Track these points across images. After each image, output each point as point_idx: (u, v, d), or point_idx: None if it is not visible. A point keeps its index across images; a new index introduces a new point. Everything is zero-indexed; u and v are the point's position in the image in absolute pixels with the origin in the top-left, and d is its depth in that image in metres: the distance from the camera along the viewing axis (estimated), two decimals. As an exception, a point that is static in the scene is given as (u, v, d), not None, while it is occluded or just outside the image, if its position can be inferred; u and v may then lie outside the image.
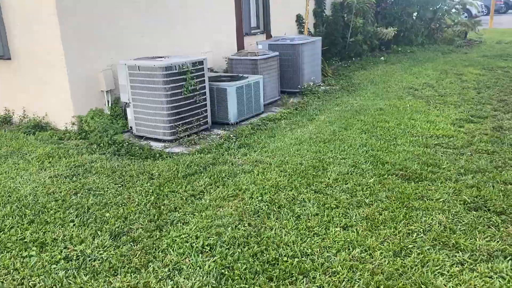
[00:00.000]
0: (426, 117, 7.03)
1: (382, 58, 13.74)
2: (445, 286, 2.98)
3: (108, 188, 4.71)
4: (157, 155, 5.76)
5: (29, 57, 7.07)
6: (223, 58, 9.49)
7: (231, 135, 6.46)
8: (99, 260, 3.42)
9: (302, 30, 12.48)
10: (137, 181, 4.87)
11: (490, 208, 4.01)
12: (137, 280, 3.15)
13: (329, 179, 4.72)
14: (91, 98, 7.06)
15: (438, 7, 16.35)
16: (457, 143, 5.77)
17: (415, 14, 16.21)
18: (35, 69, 7.07)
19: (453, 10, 17.11)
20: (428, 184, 4.55)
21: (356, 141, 5.90)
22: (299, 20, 12.62)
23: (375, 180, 4.66)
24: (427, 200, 4.20)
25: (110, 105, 7.24)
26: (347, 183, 4.61)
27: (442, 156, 5.33)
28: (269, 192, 4.45)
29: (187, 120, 6.44)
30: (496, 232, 3.62)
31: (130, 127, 6.70)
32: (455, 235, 3.60)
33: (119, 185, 4.79)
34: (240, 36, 10.22)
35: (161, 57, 6.71)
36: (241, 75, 7.77)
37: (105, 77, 7.02)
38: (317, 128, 6.63)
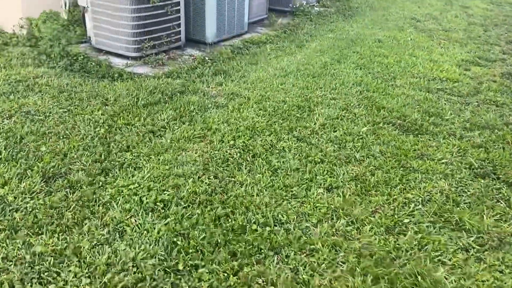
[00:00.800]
0: (429, 54, 6.22)
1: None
2: (446, 280, 2.42)
3: (50, 112, 3.89)
4: (116, 75, 4.87)
5: None
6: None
7: (207, 58, 5.55)
8: (21, 212, 2.72)
9: None
10: (87, 107, 4.05)
11: (500, 176, 3.41)
12: (65, 244, 2.49)
13: (315, 124, 4.00)
14: (45, -2, 5.93)
15: None
16: (463, 89, 5.06)
17: None
18: (-27, -46, 5.81)
19: None
20: (429, 139, 3.89)
21: (350, 78, 5.11)
22: None
23: (368, 129, 3.97)
24: (428, 160, 3.56)
25: (67, 8, 6.12)
26: (336, 131, 3.91)
27: (445, 104, 4.63)
28: (244, 135, 3.72)
29: (155, 35, 5.46)
30: (507, 209, 3.05)
31: (89, 37, 5.68)
32: (458, 208, 3.02)
33: (65, 110, 3.97)
34: None
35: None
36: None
37: (61, -28, 5.84)
38: (306, 57, 5.77)
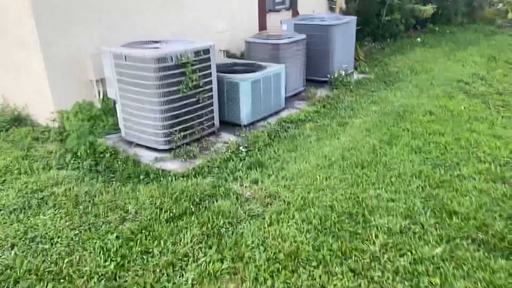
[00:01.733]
0: (490, 128, 5.05)
1: (418, 39, 11.45)
2: None
3: (59, 237, 3.07)
4: (143, 174, 4.05)
5: (1, 31, 5.36)
6: (242, 39, 7.55)
7: (241, 145, 4.67)
8: None
9: (334, 7, 10.30)
10: (101, 226, 3.20)
11: None
12: None
13: (374, 244, 2.93)
14: (79, 88, 5.34)
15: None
16: (546, 176, 3.85)
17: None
18: (9, 47, 5.37)
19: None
20: (528, 264, 2.72)
21: (406, 168, 4.03)
22: (330, -6, 10.42)
23: (443, 251, 2.85)
24: (537, 305, 2.39)
25: (101, 97, 5.51)
26: (403, 255, 2.82)
27: (531, 201, 3.44)
28: (285, 268, 2.70)
29: (186, 125, 4.67)
30: None
31: (120, 128, 4.99)
32: None
33: (76, 232, 3.13)
34: (262, 12, 8.20)
35: (157, 42, 4.88)
36: (259, 63, 5.87)
37: (94, 63, 5.25)
38: (351, 139, 4.76)
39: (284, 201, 3.50)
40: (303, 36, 6.54)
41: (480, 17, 14.66)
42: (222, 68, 5.65)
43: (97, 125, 5.16)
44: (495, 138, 4.72)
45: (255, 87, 5.31)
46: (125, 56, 4.39)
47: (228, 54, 7.49)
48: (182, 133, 4.60)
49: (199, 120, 4.81)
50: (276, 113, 5.84)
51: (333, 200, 3.47)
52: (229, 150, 4.56)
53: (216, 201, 3.55)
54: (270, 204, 3.48)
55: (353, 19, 7.57)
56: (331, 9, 10.49)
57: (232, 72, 5.57)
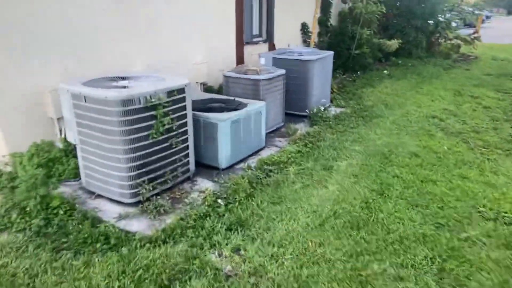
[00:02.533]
0: (481, 174, 4.35)
1: (385, 71, 10.92)
2: None
3: None
4: (102, 238, 3.04)
5: None
6: (219, 71, 6.68)
7: (219, 198, 3.72)
8: None
9: (308, 40, 9.64)
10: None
11: None
12: None
13: None
14: (37, 127, 4.28)
15: (441, 19, 13.48)
16: (557, 238, 3.12)
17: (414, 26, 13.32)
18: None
19: (453, 24, 14.25)
20: None
21: (407, 229, 3.21)
22: (304, 29, 9.74)
23: None
24: None
25: (63, 135, 4.45)
26: None
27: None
28: None
29: (157, 173, 3.70)
30: None
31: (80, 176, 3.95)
32: None
33: None
34: (240, 44, 7.37)
35: (125, 79, 3.91)
36: (238, 100, 4.99)
37: (55, 99, 4.20)
38: (340, 188, 3.92)
39: (273, 281, 2.58)
40: (283, 71, 5.73)
41: (437, 51, 14.45)
42: (198, 105, 4.73)
43: (56, 170, 4.10)
44: (490, 187, 4.01)
45: (234, 127, 4.41)
46: (84, 97, 3.40)
47: (206, 87, 6.59)
48: (151, 184, 3.62)
49: (171, 167, 3.85)
50: (257, 152, 4.96)
51: (332, 281, 2.58)
52: (206, 203, 3.61)
53: (189, 279, 2.60)
54: (256, 286, 2.55)
55: (330, 54, 6.85)
56: (305, 42, 9.82)
57: (210, 109, 4.66)
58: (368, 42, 10.49)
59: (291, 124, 5.93)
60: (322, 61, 6.48)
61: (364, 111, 6.84)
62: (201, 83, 6.47)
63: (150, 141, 3.52)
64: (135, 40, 5.18)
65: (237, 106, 4.80)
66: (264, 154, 4.92)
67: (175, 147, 3.82)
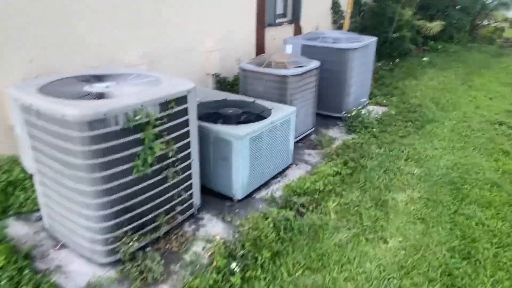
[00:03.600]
0: None
1: (425, 58, 9.51)
2: None
3: None
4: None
5: None
6: (235, 60, 5.48)
7: (232, 255, 2.60)
8: None
9: (339, 21, 8.27)
10: None
11: None
12: None
13: None
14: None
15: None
16: None
17: (458, 6, 11.71)
18: None
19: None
20: None
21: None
22: (335, 7, 8.36)
23: None
24: None
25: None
26: None
27: None
28: None
29: (144, 219, 2.60)
30: None
31: (41, 215, 2.87)
32: None
33: None
34: (260, 26, 6.10)
35: (104, 79, 2.76)
36: (260, 103, 3.81)
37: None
38: (405, 245, 2.77)
39: None
40: (317, 64, 4.50)
41: (479, 36, 12.83)
42: (207, 110, 3.59)
43: (15, 198, 3.06)
44: None
45: (255, 145, 3.26)
46: (38, 112, 2.28)
47: (218, 79, 5.40)
48: (136, 234, 2.53)
49: (167, 207, 2.74)
50: (282, 172, 3.81)
51: None
52: (214, 264, 2.51)
53: None
54: None
55: (372, 41, 5.55)
56: (335, 23, 8.45)
57: (222, 117, 3.50)
58: (407, 24, 9.05)
59: (323, 130, 4.74)
60: (363, 50, 5.21)
61: (412, 113, 5.58)
62: (212, 75, 5.29)
63: (134, 176, 2.40)
64: (128, 21, 4.00)
65: (256, 111, 3.63)
66: (292, 175, 3.77)
67: (173, 179, 2.69)
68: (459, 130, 5.01)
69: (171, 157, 2.62)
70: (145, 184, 2.50)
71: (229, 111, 3.58)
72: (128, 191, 2.41)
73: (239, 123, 3.34)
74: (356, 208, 3.22)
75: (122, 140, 2.27)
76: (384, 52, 8.91)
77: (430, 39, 11.08)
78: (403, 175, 3.77)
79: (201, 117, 3.33)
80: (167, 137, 2.54)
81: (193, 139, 2.81)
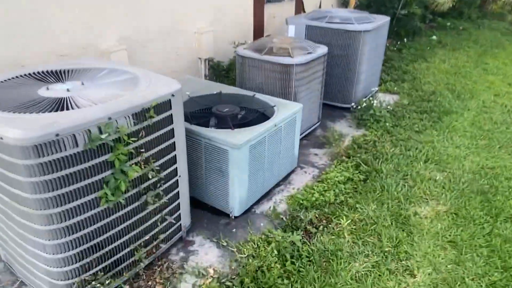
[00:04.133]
0: None
1: (434, 37, 8.88)
2: None
3: None
4: None
5: None
6: (230, 41, 4.86)
7: (231, 298, 2.15)
8: None
9: (344, -4, 7.57)
10: None
11: None
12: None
13: None
14: None
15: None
16: None
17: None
18: None
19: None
20: None
21: None
22: (340, -20, 7.63)
23: None
24: None
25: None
26: None
27: None
28: None
29: (119, 255, 2.10)
30: None
31: (-1, 237, 2.37)
32: None
33: None
34: (259, 3, 5.44)
35: (66, 77, 2.19)
36: (260, 98, 3.26)
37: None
38: (436, 279, 2.31)
39: None
40: (325, 49, 3.91)
41: (489, 11, 12.12)
42: (199, 107, 3.04)
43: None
44: None
45: (256, 153, 2.73)
46: (-33, 128, 1.72)
47: (212, 64, 4.79)
48: (109, 273, 2.04)
49: (148, 236, 2.24)
50: (286, 178, 3.32)
51: None
52: (206, 309, 2.04)
53: None
54: None
55: (385, 20, 4.94)
56: (339, -2, 7.75)
57: (216, 115, 2.96)
58: (416, 0, 8.35)
59: (329, 123, 4.22)
60: (376, 33, 4.61)
61: (427, 102, 5.05)
62: (205, 60, 4.68)
63: (103, 207, 1.88)
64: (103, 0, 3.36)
65: (256, 108, 3.08)
66: (297, 181, 3.28)
67: (154, 205, 2.18)
68: (480, 124, 4.51)
69: (152, 178, 2.10)
70: (118, 214, 1.99)
71: (225, 109, 3.03)
72: (95, 226, 1.90)
73: (236, 125, 2.80)
74: (373, 227, 2.74)
75: (83, 166, 1.73)
76: (390, 31, 8.25)
77: (438, 16, 10.39)
78: (424, 182, 3.28)
79: (190, 117, 2.79)
80: (146, 155, 2.01)
81: (180, 152, 2.28)
